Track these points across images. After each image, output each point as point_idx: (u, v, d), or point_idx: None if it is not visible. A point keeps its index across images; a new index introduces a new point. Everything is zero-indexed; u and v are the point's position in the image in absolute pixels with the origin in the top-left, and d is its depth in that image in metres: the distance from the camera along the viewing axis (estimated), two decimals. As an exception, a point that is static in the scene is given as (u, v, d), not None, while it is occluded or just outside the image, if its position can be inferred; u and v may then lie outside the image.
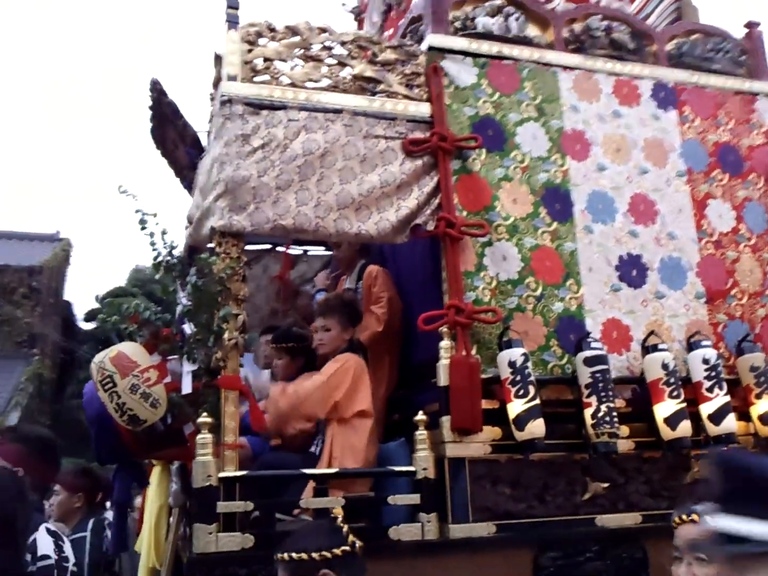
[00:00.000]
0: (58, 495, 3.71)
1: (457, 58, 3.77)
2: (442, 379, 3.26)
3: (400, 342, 4.02)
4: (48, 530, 2.74)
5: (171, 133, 4.19)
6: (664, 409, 3.41)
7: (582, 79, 3.96)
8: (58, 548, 2.71)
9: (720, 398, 3.48)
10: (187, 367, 3.16)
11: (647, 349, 3.56)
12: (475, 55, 3.81)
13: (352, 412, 3.42)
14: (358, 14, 5.78)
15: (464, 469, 3.20)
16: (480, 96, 3.75)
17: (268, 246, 5.42)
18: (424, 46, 3.80)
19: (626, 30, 4.17)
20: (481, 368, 3.35)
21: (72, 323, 17.41)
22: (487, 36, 3.87)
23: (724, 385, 3.51)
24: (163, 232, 3.20)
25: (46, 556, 2.62)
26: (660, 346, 3.53)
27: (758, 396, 3.61)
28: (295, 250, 5.44)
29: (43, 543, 2.65)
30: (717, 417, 3.46)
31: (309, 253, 5.45)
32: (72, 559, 2.78)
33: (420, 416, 3.24)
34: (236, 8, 3.52)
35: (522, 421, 3.18)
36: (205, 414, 2.97)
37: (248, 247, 5.28)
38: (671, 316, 3.78)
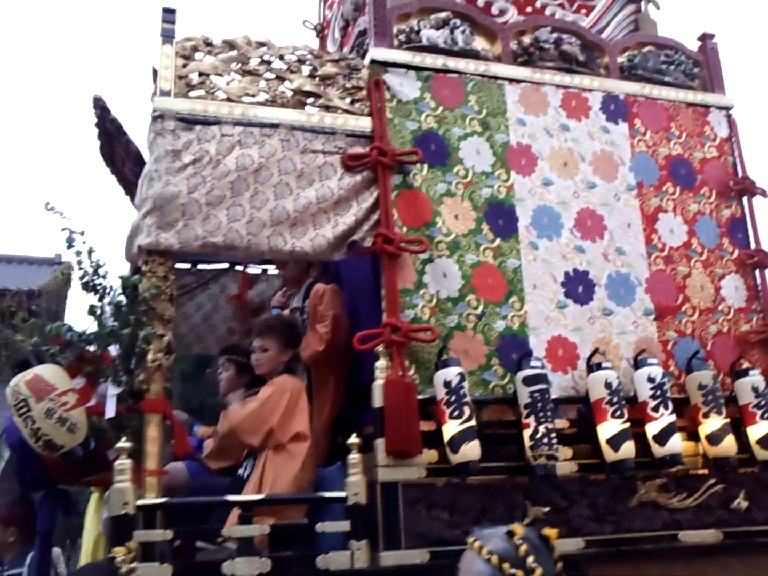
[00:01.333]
0: None
1: (400, 71, 3.71)
2: (377, 400, 3.17)
3: (347, 362, 3.93)
4: None
5: (118, 150, 4.12)
6: (606, 429, 3.33)
7: (529, 92, 3.90)
8: None
9: (665, 418, 3.39)
10: (112, 390, 3.08)
11: (591, 367, 3.47)
12: (418, 69, 3.74)
13: (288, 436, 3.34)
14: (321, 31, 5.73)
15: (397, 494, 3.11)
16: (423, 110, 3.69)
17: (226, 265, 5.36)
18: (366, 60, 3.73)
19: (576, 42, 4.11)
20: (418, 389, 3.26)
21: (71, 346, 17.23)
22: (432, 49, 3.81)
23: (670, 405, 3.42)
24: (90, 251, 3.13)
25: None
26: (603, 365, 3.44)
27: (705, 415, 3.52)
28: (254, 270, 5.36)
29: None
30: (662, 437, 3.37)
31: (269, 272, 5.36)
32: None
33: (353, 439, 3.14)
34: (172, 23, 3.45)
35: (456, 443, 3.09)
36: (124, 439, 2.87)
37: (206, 267, 5.34)
38: (619, 334, 3.69)
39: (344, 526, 3.05)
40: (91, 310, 3.06)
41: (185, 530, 2.95)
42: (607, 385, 3.37)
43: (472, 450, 3.08)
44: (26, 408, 2.82)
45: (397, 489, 3.11)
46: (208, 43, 3.46)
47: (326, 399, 3.77)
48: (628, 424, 3.32)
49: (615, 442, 3.29)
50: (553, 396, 3.46)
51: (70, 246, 3.12)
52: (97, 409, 3.07)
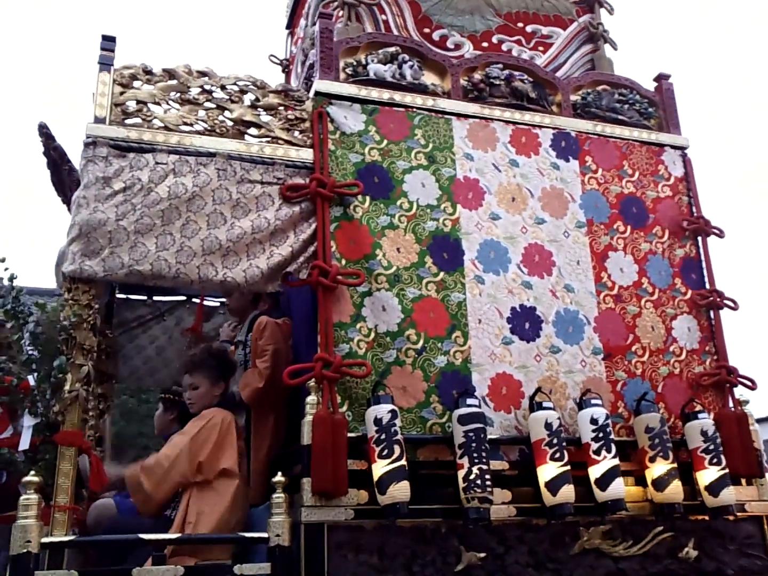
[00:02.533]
0: None
1: (345, 104, 3.68)
2: (305, 437, 3.06)
3: (288, 397, 3.81)
4: None
5: (66, 178, 4.07)
6: (546, 472, 3.20)
7: (477, 128, 3.87)
8: None
9: (607, 461, 3.27)
10: (28, 421, 2.96)
11: (533, 406, 3.36)
12: (364, 102, 3.72)
13: (215, 472, 3.22)
14: (286, 67, 5.74)
15: (323, 536, 2.97)
16: (367, 143, 3.65)
17: (183, 298, 5.27)
18: (311, 92, 3.71)
19: (528, 79, 4.10)
20: (350, 426, 3.15)
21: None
22: (379, 83, 3.79)
23: (613, 448, 3.30)
24: (11, 278, 3.05)
25: None
26: (544, 404, 3.34)
27: (652, 459, 3.40)
28: (211, 302, 5.27)
29: None
30: (604, 481, 3.25)
31: (226, 305, 5.26)
32: None
33: (278, 478, 3.02)
34: (111, 50, 3.43)
35: (385, 483, 2.96)
36: (33, 472, 2.75)
37: (162, 298, 5.24)
38: (566, 372, 3.60)
39: (265, 568, 2.91)
40: (6, 339, 2.97)
41: (94, 572, 2.80)
42: (547, 426, 3.26)
43: (400, 491, 2.95)
44: (-71, 439, 2.70)
45: (322, 531, 2.98)
46: (148, 72, 3.44)
47: (265, 436, 3.65)
48: (567, 467, 3.20)
49: (554, 485, 3.16)
50: (495, 436, 3.36)
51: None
52: (12, 441, 2.95)
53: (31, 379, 3.01)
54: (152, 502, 3.26)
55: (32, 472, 2.76)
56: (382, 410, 3.07)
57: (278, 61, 5.83)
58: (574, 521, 3.30)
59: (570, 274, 3.76)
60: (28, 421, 2.95)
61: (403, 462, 3.00)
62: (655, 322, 3.83)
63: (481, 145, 3.84)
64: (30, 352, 2.95)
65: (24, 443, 2.91)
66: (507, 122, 3.94)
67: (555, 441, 3.23)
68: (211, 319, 5.30)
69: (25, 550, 2.65)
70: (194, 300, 5.25)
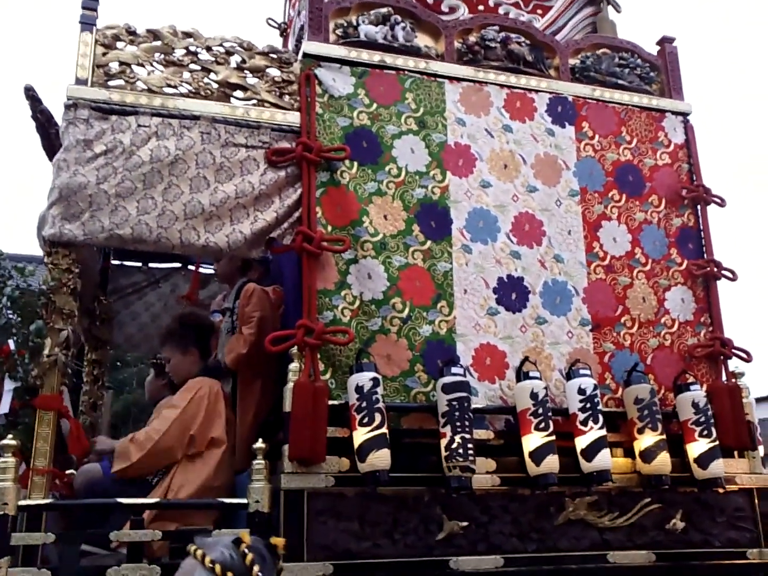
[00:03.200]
0: None
1: (334, 66, 3.59)
2: (287, 404, 3.04)
3: (276, 364, 3.79)
4: None
5: (55, 142, 4.03)
6: (530, 442, 3.17)
7: (470, 92, 3.77)
8: None
9: (594, 432, 3.23)
10: (9, 385, 2.96)
11: (519, 376, 3.32)
12: (353, 64, 3.63)
13: (206, 443, 3.21)
14: (284, 30, 5.63)
15: (302, 503, 2.96)
16: (356, 106, 3.57)
17: (178, 264, 5.25)
18: (300, 54, 3.62)
19: (525, 42, 3.99)
20: (333, 394, 3.13)
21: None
22: (370, 45, 3.70)
23: (600, 418, 3.26)
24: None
25: None
26: (531, 374, 3.29)
27: (640, 431, 3.36)
28: (207, 270, 5.24)
29: None
30: (589, 452, 3.21)
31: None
32: None
33: (258, 444, 3.01)
34: (93, 9, 3.36)
35: (364, 451, 2.94)
36: (10, 436, 2.75)
37: (158, 265, 5.22)
38: (552, 344, 3.54)
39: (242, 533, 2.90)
40: None
41: (71, 534, 2.81)
42: (533, 396, 3.22)
43: (380, 459, 2.93)
44: None
45: (302, 497, 2.97)
46: (131, 32, 3.37)
47: (251, 402, 3.63)
48: (552, 437, 3.16)
49: (537, 455, 3.13)
50: (479, 405, 3.33)
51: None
52: (-10, 406, 2.95)
53: (12, 344, 3.00)
54: (133, 470, 3.24)
55: (10, 436, 2.76)
56: (364, 378, 3.03)
57: (276, 25, 5.71)
58: (559, 492, 3.27)
59: (560, 244, 3.69)
60: (8, 385, 2.95)
61: (384, 430, 2.98)
62: (646, 294, 3.76)
63: (474, 110, 3.75)
64: (10, 317, 2.94)
65: (4, 407, 2.91)
66: (502, 86, 3.84)
67: (540, 411, 3.19)
68: (206, 287, 5.27)
69: (2, 513, 2.66)
70: (190, 267, 5.23)
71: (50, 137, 3.95)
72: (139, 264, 5.17)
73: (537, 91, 3.90)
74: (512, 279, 3.56)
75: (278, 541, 1.47)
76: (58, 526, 2.97)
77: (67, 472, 3.40)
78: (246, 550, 1.39)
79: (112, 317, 4.90)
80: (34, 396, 2.90)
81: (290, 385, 3.05)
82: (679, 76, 4.27)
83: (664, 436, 3.35)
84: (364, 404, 2.99)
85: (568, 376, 3.39)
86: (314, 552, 2.92)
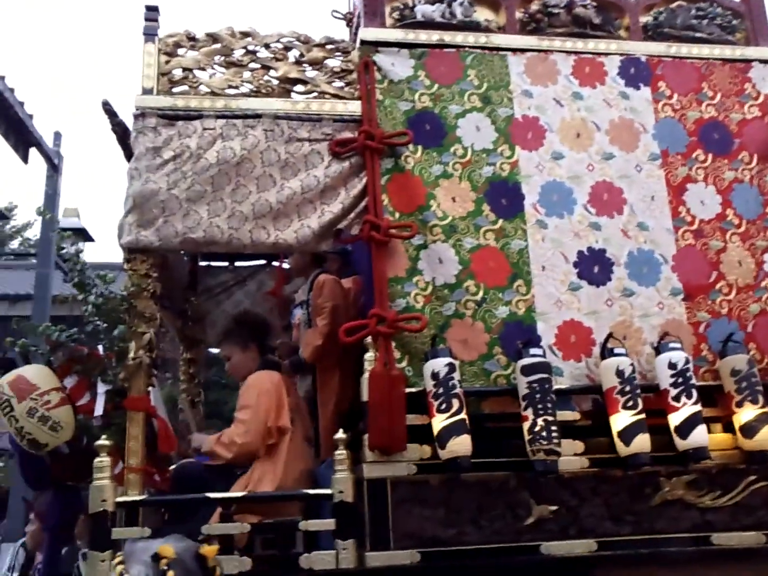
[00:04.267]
0: (33, 525, 3.66)
1: (392, 50, 3.54)
2: (364, 393, 3.04)
3: (355, 354, 3.80)
4: None
5: (134, 151, 4.18)
6: (618, 421, 3.04)
7: (536, 62, 3.63)
8: None
9: (688, 408, 3.06)
10: (101, 388, 3.11)
11: (604, 353, 3.19)
12: (411, 46, 3.57)
13: (277, 433, 3.27)
14: (349, 21, 5.61)
15: (386, 492, 2.96)
16: (416, 89, 3.51)
17: (263, 262, 5.35)
18: (357, 42, 3.60)
19: (591, 4, 3.80)
20: (410, 381, 3.11)
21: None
22: (428, 24, 3.62)
23: (694, 393, 3.08)
24: (78, 252, 3.18)
25: None
26: (616, 350, 3.15)
27: (739, 404, 3.16)
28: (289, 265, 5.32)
29: None
30: (684, 429, 3.05)
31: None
32: None
33: (339, 435, 3.03)
34: (155, 20, 3.45)
35: (444, 438, 2.91)
36: (104, 437, 2.89)
37: (243, 264, 5.35)
38: (642, 316, 3.37)
39: (329, 524, 2.95)
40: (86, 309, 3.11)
41: (166, 528, 2.92)
42: (619, 373, 3.08)
43: (460, 445, 2.89)
44: (9, 408, 2.90)
45: (385, 486, 2.97)
46: (191, 38, 3.44)
47: (331, 392, 3.67)
48: (642, 416, 3.02)
49: (627, 434, 3.01)
50: (565, 386, 3.22)
51: (60, 249, 3.18)
52: (88, 407, 3.11)
53: (101, 349, 3.14)
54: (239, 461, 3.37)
55: (104, 437, 2.90)
56: (439, 364, 3.00)
57: (341, 15, 5.71)
58: (654, 471, 3.13)
59: (643, 212, 3.50)
60: (101, 388, 3.10)
61: (463, 416, 2.93)
62: (743, 257, 3.51)
63: (540, 80, 3.61)
64: (96, 323, 3.08)
65: (98, 409, 3.05)
66: (569, 53, 3.68)
67: (627, 389, 3.05)
68: (291, 281, 5.36)
69: (101, 509, 2.80)
70: (274, 263, 5.32)
71: (129, 147, 4.12)
72: (226, 263, 5.31)
73: (607, 54, 3.71)
74: (593, 251, 3.42)
75: (208, 551, 1.41)
76: (154, 519, 3.10)
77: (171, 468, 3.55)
78: (166, 567, 1.34)
79: (203, 317, 5.06)
80: (124, 398, 3.02)
81: (366, 374, 3.05)
82: (765, 21, 3.96)
83: (766, 409, 3.14)
84: (440, 391, 2.96)
85: (657, 350, 3.23)
86: (400, 540, 2.92)
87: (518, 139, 3.51)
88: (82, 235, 11.10)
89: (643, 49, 3.75)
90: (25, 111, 8.38)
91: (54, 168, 9.51)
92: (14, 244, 25.39)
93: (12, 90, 7.97)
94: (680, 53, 3.78)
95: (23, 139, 8.66)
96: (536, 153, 3.51)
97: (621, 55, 3.72)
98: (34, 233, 23.95)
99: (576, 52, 3.69)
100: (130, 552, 1.41)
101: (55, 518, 3.32)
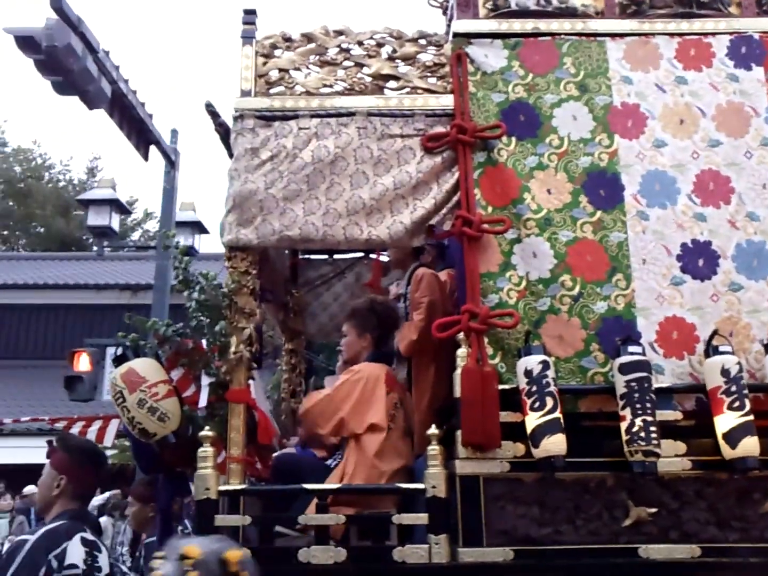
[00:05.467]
0: (133, 506, 3.91)
1: (485, 42, 3.50)
2: (456, 389, 3.05)
3: (450, 349, 3.80)
4: (84, 540, 2.82)
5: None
6: (723, 423, 2.90)
7: (636, 47, 3.49)
8: (91, 558, 2.81)
9: (802, 410, 2.88)
10: (205, 381, 3.26)
11: (708, 351, 3.05)
12: (505, 36, 3.51)
13: (363, 427, 3.32)
14: (446, 9, 5.57)
15: (479, 488, 2.96)
16: (510, 80, 3.45)
17: (361, 254, 5.43)
18: (450, 35, 3.57)
19: (698, -19, 3.60)
20: (504, 378, 3.08)
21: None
22: (521, 13, 3.55)
23: (809, 394, 2.90)
24: (183, 252, 3.34)
25: (73, 566, 2.73)
26: (721, 348, 3.00)
27: None
28: (387, 257, 5.37)
29: (74, 552, 2.76)
30: (797, 433, 2.87)
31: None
32: (105, 570, 2.83)
33: (432, 431, 3.05)
34: (252, 23, 3.55)
35: (537, 436, 2.87)
36: (208, 428, 3.03)
37: (342, 256, 5.45)
38: (751, 312, 3.20)
39: (422, 518, 2.98)
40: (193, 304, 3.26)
41: (265, 516, 3.04)
42: (725, 372, 2.93)
43: (555, 444, 2.84)
44: (122, 399, 3.08)
45: (478, 483, 2.96)
46: (287, 39, 3.52)
47: (425, 387, 3.67)
48: (749, 417, 2.87)
49: (732, 437, 2.86)
50: (666, 384, 3.10)
51: (166, 248, 3.35)
52: (193, 398, 3.27)
53: (204, 343, 3.29)
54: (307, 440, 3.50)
55: (207, 428, 3.04)
56: (533, 361, 2.95)
57: (437, 4, 5.67)
58: (764, 476, 2.97)
59: (753, 201, 3.30)
60: (205, 381, 3.25)
61: (557, 414, 2.88)
62: None
63: (641, 66, 3.47)
64: (200, 318, 3.22)
65: (203, 401, 3.21)
66: (672, 35, 3.50)
67: (734, 389, 2.90)
68: (388, 274, 5.41)
69: (205, 497, 2.95)
70: (371, 256, 5.39)
71: (231, 147, 4.27)
72: (325, 257, 5.42)
73: (714, 34, 3.51)
74: (698, 244, 3.26)
75: (232, 555, 1.45)
76: (255, 508, 3.23)
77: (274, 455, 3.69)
78: (190, 568, 1.38)
79: (304, 309, 5.20)
80: (226, 390, 3.16)
81: (458, 371, 3.05)
82: None
83: None
84: (534, 388, 2.92)
85: (766, 348, 3.05)
86: (493, 537, 2.91)
87: (617, 127, 3.39)
88: (198, 227, 11.55)
89: (757, 25, 3.53)
90: (146, 111, 8.80)
91: (171, 164, 9.97)
92: (135, 236, 26.91)
93: (135, 92, 8.40)
94: (798, 28, 3.53)
95: (144, 138, 9.11)
96: (636, 141, 3.38)
97: (730, 34, 3.51)
98: (153, 226, 25.31)
99: (680, 34, 3.51)
100: (169, 549, 1.48)
101: (166, 500, 3.52)
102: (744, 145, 3.37)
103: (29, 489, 11.52)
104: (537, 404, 2.89)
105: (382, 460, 3.26)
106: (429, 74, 3.50)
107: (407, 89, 3.48)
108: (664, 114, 3.41)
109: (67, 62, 6.67)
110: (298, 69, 3.50)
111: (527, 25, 3.52)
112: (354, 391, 3.35)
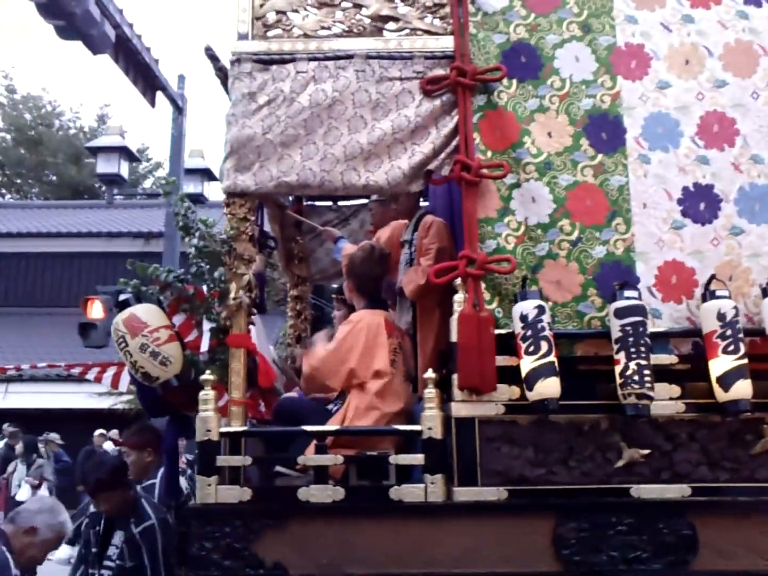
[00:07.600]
0: (129, 456, 3.99)
1: (487, -20, 3.41)
2: (453, 334, 3.07)
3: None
4: None
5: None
6: (717, 366, 2.93)
7: (642, -16, 3.39)
8: None
9: (796, 353, 2.89)
10: (206, 326, 3.31)
11: (705, 296, 3.05)
12: (508, -26, 3.41)
13: (369, 374, 3.36)
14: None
15: (474, 430, 3.01)
16: (512, 20, 3.37)
17: (365, 201, 5.41)
18: (450, -27, 3.48)
19: None
20: (501, 323, 3.11)
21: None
22: (525, -51, 3.44)
23: (804, 338, 2.90)
24: (182, 197, 3.35)
25: None
26: (718, 293, 3.00)
27: None
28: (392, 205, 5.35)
29: None
30: (791, 376, 2.89)
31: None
32: None
33: (428, 374, 3.09)
34: (248, -36, 3.47)
35: (531, 379, 2.90)
36: (209, 372, 3.09)
37: (346, 203, 5.43)
38: (751, 256, 3.18)
39: (418, 459, 3.04)
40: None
41: (265, 457, 3.12)
42: (720, 316, 2.94)
43: (548, 387, 2.88)
44: (124, 343, 3.14)
45: (473, 424, 3.02)
46: (284, -21, 3.44)
47: (430, 332, 3.68)
48: (743, 361, 2.89)
49: (726, 380, 2.89)
50: (663, 328, 3.12)
51: (167, 194, 3.37)
52: (195, 343, 3.32)
53: (205, 289, 3.33)
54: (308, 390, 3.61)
55: (208, 371, 3.10)
56: (528, 306, 2.97)
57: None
58: (757, 418, 3.00)
59: (758, 143, 3.25)
60: (206, 326, 3.29)
61: (552, 358, 2.91)
62: None
63: (646, 4, 3.37)
64: (199, 264, 3.25)
65: (204, 345, 3.26)
66: (680, -30, 3.40)
67: (729, 333, 2.92)
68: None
69: (206, 438, 3.02)
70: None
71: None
72: (330, 203, 5.41)
73: (724, -31, 3.40)
74: (699, 187, 3.23)
75: None
76: (256, 449, 3.32)
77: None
78: None
79: (308, 255, 5.23)
80: (227, 335, 3.20)
81: (455, 315, 3.08)
82: None
83: None
84: (529, 333, 2.94)
85: (765, 292, 3.04)
86: (487, 477, 2.98)
87: (621, 68, 3.32)
88: (207, 175, 11.52)
89: (767, -40, 3.41)
90: (152, 56, 8.69)
91: (179, 110, 9.89)
92: (147, 183, 26.89)
93: (140, 36, 8.29)
94: (812, -38, 3.41)
95: (150, 83, 9.02)
96: (640, 83, 3.31)
97: (740, -32, 3.40)
98: (164, 173, 25.28)
99: (688, -30, 3.40)
100: None
101: (170, 441, 3.61)
102: (751, 86, 3.30)
103: (53, 435, 11.84)
104: (531, 348, 2.92)
105: (383, 401, 3.31)
106: (428, 15, 3.42)
107: (406, 30, 3.42)
108: (669, 54, 3.33)
109: (69, 5, 6.58)
110: (295, 11, 3.43)
111: (530, -38, 3.42)
112: (359, 341, 3.39)
